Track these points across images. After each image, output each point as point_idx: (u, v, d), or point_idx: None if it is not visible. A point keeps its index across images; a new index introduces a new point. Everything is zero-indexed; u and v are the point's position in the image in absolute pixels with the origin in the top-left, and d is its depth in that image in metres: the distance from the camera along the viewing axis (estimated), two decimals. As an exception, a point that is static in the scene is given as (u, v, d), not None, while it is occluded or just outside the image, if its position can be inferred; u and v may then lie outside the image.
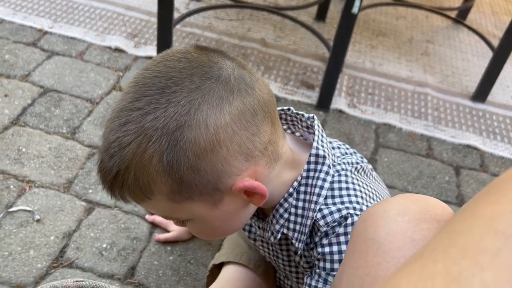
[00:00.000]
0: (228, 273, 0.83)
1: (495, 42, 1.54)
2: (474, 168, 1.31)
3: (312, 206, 0.62)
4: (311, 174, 0.62)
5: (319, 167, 0.62)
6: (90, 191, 1.04)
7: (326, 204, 0.61)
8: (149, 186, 0.54)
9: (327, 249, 0.60)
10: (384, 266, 0.39)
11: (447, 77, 1.68)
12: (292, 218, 0.64)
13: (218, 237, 0.68)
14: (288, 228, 0.64)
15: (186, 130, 0.51)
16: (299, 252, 0.65)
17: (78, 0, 1.70)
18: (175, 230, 0.97)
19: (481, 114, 1.52)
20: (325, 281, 0.60)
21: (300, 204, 0.63)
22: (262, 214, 0.70)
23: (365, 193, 0.64)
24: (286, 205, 0.63)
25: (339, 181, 0.63)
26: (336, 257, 0.60)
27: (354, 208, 0.60)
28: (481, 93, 1.55)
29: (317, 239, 0.62)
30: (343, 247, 0.60)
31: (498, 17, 2.17)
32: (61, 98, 1.26)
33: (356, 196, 0.62)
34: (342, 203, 0.61)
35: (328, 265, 0.60)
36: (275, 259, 0.75)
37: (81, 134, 1.17)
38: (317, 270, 0.61)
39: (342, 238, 0.60)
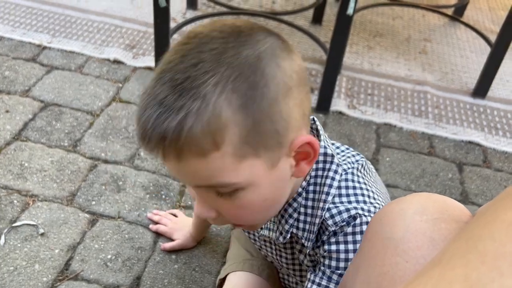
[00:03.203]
0: (234, 281, 0.82)
1: (493, 38, 1.54)
2: (477, 164, 1.30)
3: (321, 205, 0.62)
4: (320, 173, 0.63)
5: (327, 165, 0.62)
6: (93, 203, 1.04)
7: (334, 203, 0.61)
8: (221, 131, 0.48)
9: (333, 247, 0.60)
10: (403, 266, 0.38)
11: (446, 74, 1.68)
12: (302, 217, 0.64)
13: (259, 219, 0.62)
14: (297, 228, 0.64)
15: (267, 67, 0.50)
16: (307, 251, 0.65)
17: (76, 14, 1.71)
18: (179, 238, 0.97)
19: (482, 110, 1.52)
20: (329, 279, 0.60)
21: (310, 203, 0.63)
22: None
23: (372, 192, 0.64)
24: (295, 204, 0.63)
25: (346, 180, 0.63)
26: (342, 255, 0.60)
27: (362, 209, 0.60)
28: (481, 88, 1.55)
29: (324, 237, 0.62)
30: (350, 246, 0.60)
31: (494, 12, 2.17)
32: (62, 112, 1.27)
33: (363, 195, 0.62)
34: (350, 202, 0.61)
35: (333, 263, 0.60)
36: (278, 258, 0.75)
37: (82, 146, 1.17)
38: (322, 268, 0.61)
39: (349, 238, 0.60)
